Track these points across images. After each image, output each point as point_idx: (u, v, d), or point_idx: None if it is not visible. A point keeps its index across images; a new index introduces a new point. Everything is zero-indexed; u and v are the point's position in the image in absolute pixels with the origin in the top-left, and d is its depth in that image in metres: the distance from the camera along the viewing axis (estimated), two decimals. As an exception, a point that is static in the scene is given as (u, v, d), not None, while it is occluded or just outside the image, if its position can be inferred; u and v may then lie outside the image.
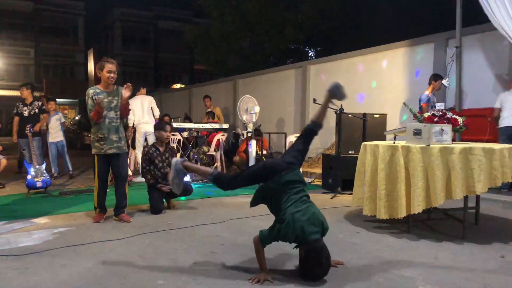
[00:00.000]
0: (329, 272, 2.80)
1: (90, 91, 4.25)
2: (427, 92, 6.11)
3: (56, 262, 3.03)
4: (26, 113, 7.16)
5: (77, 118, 16.85)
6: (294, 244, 2.74)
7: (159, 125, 5.11)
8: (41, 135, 7.40)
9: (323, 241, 2.67)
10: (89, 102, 4.24)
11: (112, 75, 4.21)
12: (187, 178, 5.78)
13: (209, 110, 9.71)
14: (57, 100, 8.92)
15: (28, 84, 7.49)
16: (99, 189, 4.35)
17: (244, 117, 7.42)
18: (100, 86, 4.29)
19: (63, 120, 8.19)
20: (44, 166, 6.08)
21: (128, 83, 4.28)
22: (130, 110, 4.36)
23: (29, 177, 5.84)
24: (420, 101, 6.06)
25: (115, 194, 4.40)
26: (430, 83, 6.20)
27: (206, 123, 8.51)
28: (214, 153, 8.79)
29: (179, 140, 8.73)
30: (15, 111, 7.24)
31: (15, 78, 29.83)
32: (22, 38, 31.63)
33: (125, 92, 4.23)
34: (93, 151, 4.30)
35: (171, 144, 8.38)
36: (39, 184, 5.84)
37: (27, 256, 3.14)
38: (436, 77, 6.21)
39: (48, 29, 32.81)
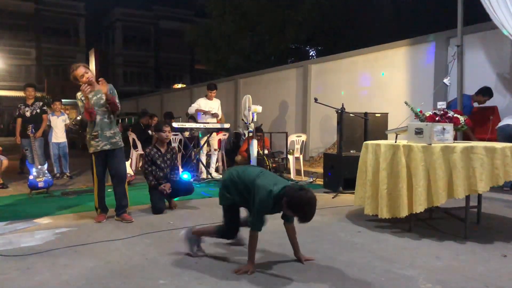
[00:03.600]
0: (331, 271, 2.81)
1: (78, 94, 4.26)
2: (475, 103, 6.04)
3: (58, 262, 3.03)
4: (28, 114, 7.19)
5: (78, 118, 16.88)
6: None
7: (157, 127, 5.11)
8: (44, 135, 7.44)
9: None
10: (79, 104, 4.26)
11: (86, 76, 4.16)
12: (188, 177, 5.78)
13: None
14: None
15: (33, 85, 7.54)
16: (98, 189, 4.35)
17: (247, 114, 7.42)
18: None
19: (67, 121, 8.22)
20: (46, 166, 6.10)
21: (101, 78, 4.21)
22: (117, 103, 4.30)
23: (31, 177, 5.85)
24: (465, 107, 5.93)
25: (114, 194, 4.39)
26: (477, 94, 6.02)
27: (207, 123, 8.51)
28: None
29: (180, 140, 8.74)
30: (17, 113, 7.28)
31: (16, 78, 29.92)
32: (23, 39, 31.72)
33: (103, 88, 4.17)
34: (90, 150, 4.30)
35: (173, 144, 8.39)
36: (41, 184, 5.86)
37: (29, 256, 3.15)
38: (484, 93, 5.97)
39: (49, 30, 32.91)
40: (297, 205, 2.57)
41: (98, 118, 4.23)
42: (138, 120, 10.43)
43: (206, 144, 7.77)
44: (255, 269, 2.79)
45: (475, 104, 6.10)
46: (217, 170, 8.55)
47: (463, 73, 6.20)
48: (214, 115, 7.85)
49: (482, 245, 3.43)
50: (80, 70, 4.18)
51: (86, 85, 4.08)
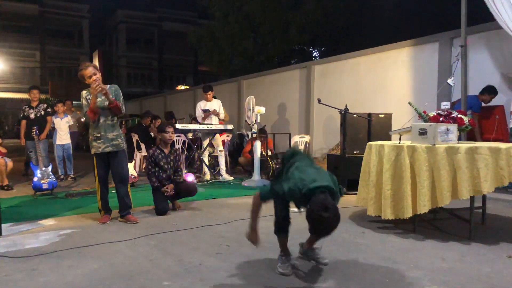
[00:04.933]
0: (335, 273, 2.80)
1: (84, 92, 4.29)
2: (481, 102, 6.03)
3: (62, 263, 3.04)
4: (32, 116, 7.22)
5: (83, 120, 16.93)
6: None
7: (161, 128, 5.11)
8: (48, 137, 7.47)
9: (328, 195, 2.43)
10: (84, 102, 4.28)
11: (94, 77, 4.18)
12: (192, 178, 5.78)
13: None
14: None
15: (38, 87, 7.60)
16: (101, 190, 4.36)
17: (250, 116, 7.43)
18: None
19: (71, 123, 8.25)
20: (50, 168, 6.12)
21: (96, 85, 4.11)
22: (120, 107, 4.31)
23: (35, 179, 5.88)
24: (471, 107, 5.91)
25: (116, 195, 4.39)
26: (482, 93, 6.03)
27: (210, 124, 8.52)
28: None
29: (184, 141, 8.74)
30: (21, 115, 7.32)
31: (21, 80, 30.06)
32: (28, 41, 31.85)
33: (102, 90, 4.12)
34: (92, 151, 4.32)
35: (176, 146, 8.40)
36: (45, 186, 5.88)
37: (33, 258, 3.16)
38: (490, 91, 5.95)
39: (53, 32, 33.06)
40: (312, 222, 2.40)
41: (101, 119, 4.25)
42: (140, 121, 10.45)
43: (208, 146, 7.77)
44: (256, 238, 2.72)
45: (482, 104, 6.08)
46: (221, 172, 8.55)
47: (467, 73, 6.17)
48: (214, 114, 7.82)
49: (487, 246, 3.41)
50: (89, 70, 4.18)
51: (97, 83, 4.08)
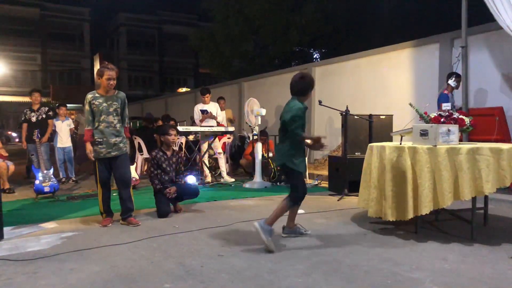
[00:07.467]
0: (337, 274, 2.80)
1: (89, 96, 4.28)
2: (446, 92, 6.05)
3: (64, 266, 3.04)
4: (34, 119, 7.24)
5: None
6: None
7: (163, 130, 5.11)
8: (49, 140, 7.48)
9: None
10: (86, 107, 4.26)
11: (111, 82, 4.21)
12: (193, 181, 5.79)
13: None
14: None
15: (39, 90, 7.62)
16: (103, 193, 4.37)
17: (251, 119, 7.44)
18: (99, 91, 4.30)
19: (72, 126, 8.26)
20: (51, 171, 6.13)
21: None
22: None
23: (37, 182, 5.89)
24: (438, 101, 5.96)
25: (119, 198, 4.40)
26: (449, 79, 6.07)
27: (211, 126, 8.52)
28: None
29: (185, 143, 8.74)
30: (23, 118, 7.32)
31: (22, 84, 30.10)
32: (29, 44, 31.90)
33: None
34: (94, 154, 4.32)
35: (176, 148, 8.39)
36: (47, 189, 5.89)
37: (35, 261, 3.16)
38: (449, 76, 6.08)
39: (54, 35, 33.10)
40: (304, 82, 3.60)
41: (103, 125, 4.25)
42: (142, 123, 10.55)
43: (208, 148, 7.76)
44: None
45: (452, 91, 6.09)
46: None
47: (468, 74, 6.17)
48: (211, 117, 7.80)
49: (489, 247, 3.41)
50: (112, 74, 4.22)
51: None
